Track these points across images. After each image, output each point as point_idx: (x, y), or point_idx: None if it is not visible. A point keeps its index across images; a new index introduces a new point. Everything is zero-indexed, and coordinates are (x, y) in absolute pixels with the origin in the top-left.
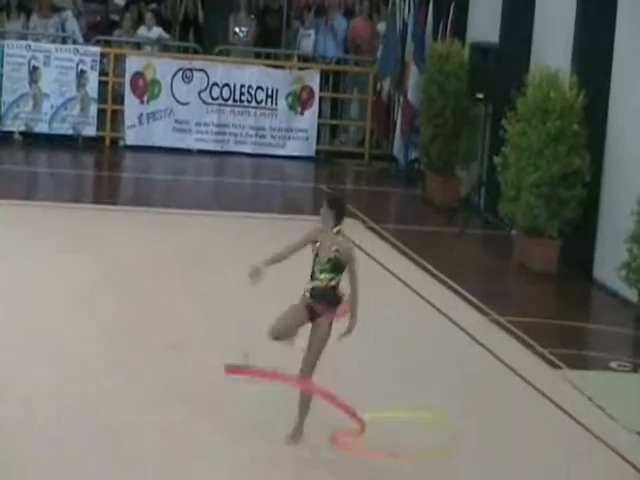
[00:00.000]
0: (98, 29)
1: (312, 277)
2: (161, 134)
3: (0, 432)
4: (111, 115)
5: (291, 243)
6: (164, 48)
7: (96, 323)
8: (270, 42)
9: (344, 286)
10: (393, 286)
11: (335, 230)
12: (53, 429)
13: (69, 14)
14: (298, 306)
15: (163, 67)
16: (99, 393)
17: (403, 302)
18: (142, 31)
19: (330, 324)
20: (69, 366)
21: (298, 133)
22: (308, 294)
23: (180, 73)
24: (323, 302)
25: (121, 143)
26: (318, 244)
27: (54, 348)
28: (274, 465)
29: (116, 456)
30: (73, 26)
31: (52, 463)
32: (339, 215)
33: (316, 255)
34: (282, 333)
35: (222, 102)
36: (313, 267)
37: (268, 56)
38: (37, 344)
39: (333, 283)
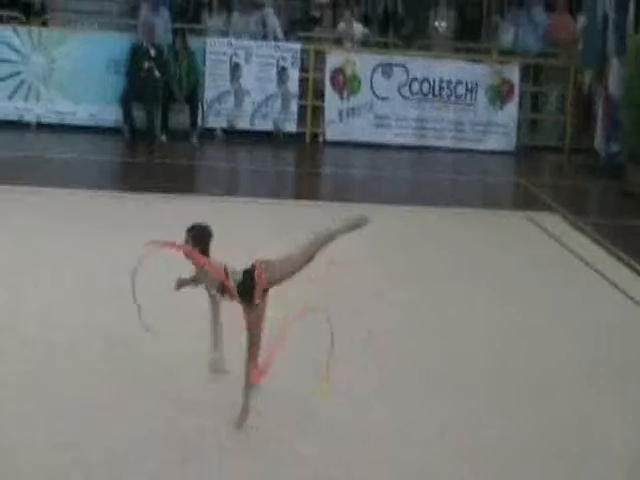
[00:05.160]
0: (298, 25)
1: None
2: (361, 129)
3: None
4: (311, 111)
5: None
6: (364, 44)
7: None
8: (469, 36)
9: None
10: (594, 281)
11: None
12: None
13: (270, 11)
14: None
15: (363, 62)
16: None
17: (605, 299)
18: (342, 27)
19: None
20: None
21: (498, 127)
22: None
23: (380, 68)
24: None
25: (321, 139)
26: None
27: None
28: None
29: None
30: (274, 22)
31: None
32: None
33: None
34: None
35: (421, 97)
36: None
37: (467, 50)
38: None
39: None
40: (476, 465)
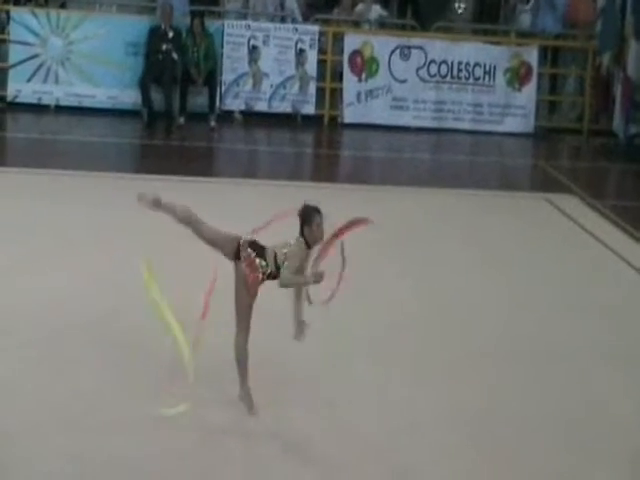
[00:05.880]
0: (317, 7)
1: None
2: (379, 112)
3: None
4: (330, 93)
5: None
6: (382, 26)
7: None
8: (488, 18)
9: None
10: (613, 263)
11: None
12: None
13: None
14: None
15: (381, 45)
16: None
17: (622, 280)
18: (360, 9)
19: None
20: None
21: (516, 109)
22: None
23: (398, 50)
24: None
25: (339, 121)
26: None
27: None
28: None
29: None
30: (292, 5)
31: None
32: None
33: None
34: None
35: (440, 79)
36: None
37: (486, 32)
38: None
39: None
40: (484, 448)
